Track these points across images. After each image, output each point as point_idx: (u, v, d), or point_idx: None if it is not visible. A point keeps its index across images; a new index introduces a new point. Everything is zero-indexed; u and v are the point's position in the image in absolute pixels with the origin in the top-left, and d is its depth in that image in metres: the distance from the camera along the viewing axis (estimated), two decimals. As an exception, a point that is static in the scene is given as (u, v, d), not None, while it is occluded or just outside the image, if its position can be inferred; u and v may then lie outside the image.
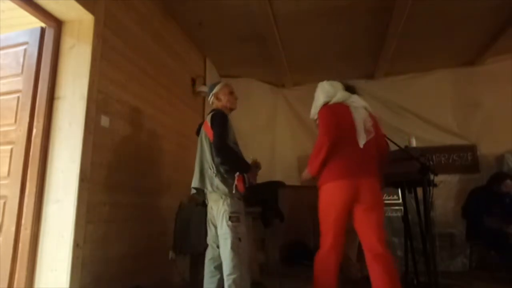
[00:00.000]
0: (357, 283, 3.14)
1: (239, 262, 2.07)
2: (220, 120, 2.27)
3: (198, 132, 2.47)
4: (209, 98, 2.51)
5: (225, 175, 2.20)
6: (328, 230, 2.09)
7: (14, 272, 2.02)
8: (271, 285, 3.16)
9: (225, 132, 2.22)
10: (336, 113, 2.17)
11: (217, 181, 2.18)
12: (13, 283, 2.00)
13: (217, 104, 2.47)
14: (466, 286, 3.16)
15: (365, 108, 2.25)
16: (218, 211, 2.17)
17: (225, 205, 2.15)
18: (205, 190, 2.25)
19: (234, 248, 2.08)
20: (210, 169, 2.22)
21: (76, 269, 2.01)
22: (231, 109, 2.47)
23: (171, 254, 3.11)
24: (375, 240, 2.01)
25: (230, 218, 2.13)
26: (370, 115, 2.25)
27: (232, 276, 2.03)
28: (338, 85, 2.32)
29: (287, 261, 4.46)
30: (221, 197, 2.17)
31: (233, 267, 2.05)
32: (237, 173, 2.18)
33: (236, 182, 2.16)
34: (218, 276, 2.20)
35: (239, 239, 2.11)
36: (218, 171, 2.19)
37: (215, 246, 2.25)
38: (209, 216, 2.30)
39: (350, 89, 2.35)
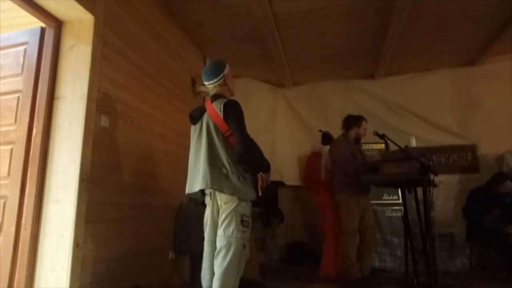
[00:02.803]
0: (357, 283, 3.14)
1: (236, 272, 1.91)
2: (240, 111, 1.99)
3: (193, 120, 2.19)
4: (214, 81, 2.13)
5: (245, 175, 1.98)
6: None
7: (14, 272, 2.02)
8: (271, 285, 3.16)
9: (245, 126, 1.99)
10: (313, 159, 4.27)
11: (234, 183, 1.94)
12: (13, 283, 2.00)
13: (223, 90, 2.13)
14: (466, 286, 3.16)
15: (328, 152, 3.63)
16: (226, 212, 1.97)
17: (239, 208, 1.95)
18: (208, 190, 2.05)
19: (237, 255, 1.91)
20: (225, 168, 1.96)
21: (76, 269, 2.01)
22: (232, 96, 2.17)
23: (171, 254, 3.11)
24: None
25: (242, 222, 1.94)
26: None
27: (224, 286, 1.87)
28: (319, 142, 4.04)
29: (287, 262, 4.47)
30: (236, 199, 1.96)
31: (228, 276, 1.88)
32: (260, 173, 2.02)
33: (260, 183, 2.01)
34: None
35: (244, 246, 1.95)
36: (235, 171, 1.96)
37: (211, 243, 2.06)
38: (212, 214, 2.08)
39: (326, 138, 3.86)
